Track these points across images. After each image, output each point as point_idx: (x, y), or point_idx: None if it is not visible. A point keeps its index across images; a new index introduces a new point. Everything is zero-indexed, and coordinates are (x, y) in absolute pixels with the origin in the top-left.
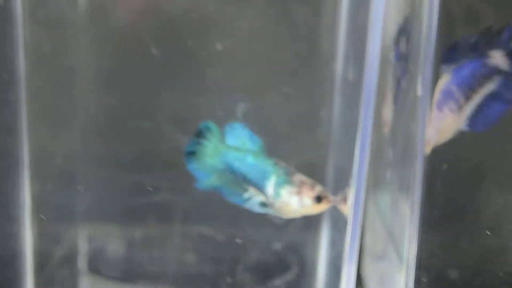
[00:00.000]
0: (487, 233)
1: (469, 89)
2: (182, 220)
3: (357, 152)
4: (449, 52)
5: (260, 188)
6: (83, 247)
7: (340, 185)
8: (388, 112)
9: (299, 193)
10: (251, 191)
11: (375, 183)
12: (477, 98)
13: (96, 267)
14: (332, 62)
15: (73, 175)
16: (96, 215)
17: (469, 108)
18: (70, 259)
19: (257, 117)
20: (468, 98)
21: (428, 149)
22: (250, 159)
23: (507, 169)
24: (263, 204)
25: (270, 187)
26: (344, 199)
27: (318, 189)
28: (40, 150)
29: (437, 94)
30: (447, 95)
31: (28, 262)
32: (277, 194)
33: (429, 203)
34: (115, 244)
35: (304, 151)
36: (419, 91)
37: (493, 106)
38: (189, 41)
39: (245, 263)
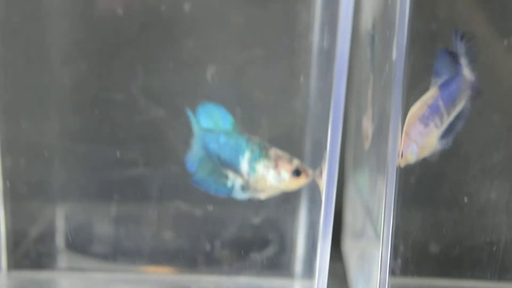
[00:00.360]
0: (464, 201)
1: (452, 105)
2: (159, 195)
3: (330, 121)
4: (437, 64)
5: (235, 167)
6: (59, 224)
7: (318, 157)
8: (369, 125)
9: (276, 167)
10: (230, 175)
11: (354, 161)
12: (453, 114)
13: (73, 244)
14: (309, 32)
15: (46, 151)
16: (70, 191)
17: (446, 124)
18: (45, 237)
19: (234, 89)
20: (449, 114)
21: (402, 164)
22: (223, 138)
23: (483, 137)
24: (244, 188)
25: (244, 163)
26: (321, 173)
27: (296, 162)
28: (11, 125)
29: (424, 109)
30: (434, 110)
31: (1, 240)
32: (252, 169)
33: (405, 175)
34: (91, 220)
35: (282, 122)
36: (394, 55)
37: (457, 123)
38: (162, 10)
39: (223, 239)
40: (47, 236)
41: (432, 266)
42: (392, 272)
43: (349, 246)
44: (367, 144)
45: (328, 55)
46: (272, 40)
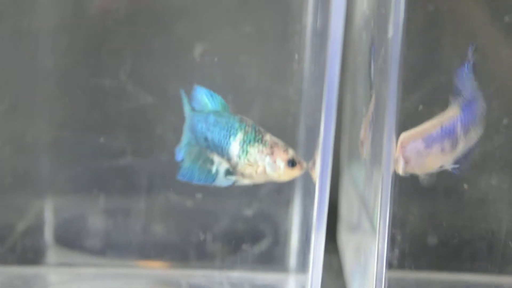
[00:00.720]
0: (464, 189)
1: (473, 128)
2: (150, 187)
3: (324, 107)
4: (459, 82)
5: (224, 148)
6: (47, 218)
7: (312, 144)
8: (366, 135)
9: (272, 154)
10: (216, 160)
11: (349, 151)
12: (476, 138)
13: (61, 238)
14: (302, 14)
15: (32, 141)
16: (57, 183)
17: (464, 149)
18: (32, 231)
19: (225, 74)
20: (469, 138)
21: (398, 169)
22: (212, 118)
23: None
24: (229, 172)
25: (235, 145)
26: (314, 164)
27: (291, 152)
28: None
29: (436, 129)
30: (447, 133)
31: None
32: (244, 152)
33: None
34: (79, 213)
35: (274, 108)
36: (390, 33)
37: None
38: None
39: (214, 232)
40: (34, 230)
41: (430, 258)
42: (389, 265)
43: (344, 239)
44: (363, 155)
45: (322, 38)
46: (264, 22)
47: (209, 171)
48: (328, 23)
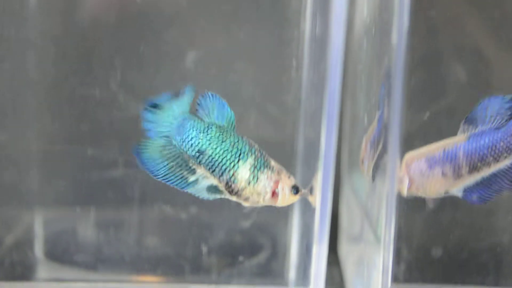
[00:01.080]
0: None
1: (480, 161)
2: (143, 199)
3: (324, 118)
4: (477, 113)
5: (226, 170)
6: (36, 231)
7: (311, 157)
8: (367, 153)
9: (280, 180)
10: (199, 172)
11: (350, 160)
12: (488, 171)
13: (51, 253)
14: (300, 19)
15: (22, 151)
16: (47, 195)
17: (472, 179)
18: (21, 245)
19: (219, 83)
20: (475, 169)
21: (402, 190)
22: (214, 132)
23: None
24: (213, 189)
25: (244, 170)
26: (310, 190)
27: (293, 178)
28: None
29: (438, 151)
30: (449, 158)
31: None
32: (255, 178)
33: None
34: (70, 227)
35: (271, 119)
36: (394, 39)
37: (501, 183)
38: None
39: (211, 245)
40: (23, 244)
41: (437, 271)
42: (394, 278)
43: (346, 250)
44: (364, 173)
45: (321, 44)
46: (260, 29)
47: (185, 178)
48: (328, 29)
